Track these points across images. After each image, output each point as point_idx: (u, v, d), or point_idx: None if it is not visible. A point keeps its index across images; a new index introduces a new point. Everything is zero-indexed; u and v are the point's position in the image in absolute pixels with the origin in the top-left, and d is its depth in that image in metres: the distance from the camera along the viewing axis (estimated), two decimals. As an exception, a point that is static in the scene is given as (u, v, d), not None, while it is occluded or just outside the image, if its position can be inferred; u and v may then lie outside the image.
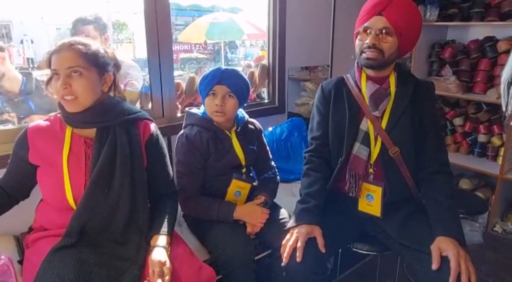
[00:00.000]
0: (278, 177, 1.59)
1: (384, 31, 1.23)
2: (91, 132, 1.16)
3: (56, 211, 1.12)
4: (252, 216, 1.38)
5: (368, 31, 1.25)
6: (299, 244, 1.19)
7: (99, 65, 1.11)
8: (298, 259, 1.16)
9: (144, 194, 1.18)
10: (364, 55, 1.26)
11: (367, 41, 1.24)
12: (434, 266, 1.11)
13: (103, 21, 1.82)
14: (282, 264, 1.20)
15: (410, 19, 1.24)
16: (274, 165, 1.62)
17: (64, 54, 1.07)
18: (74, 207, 1.09)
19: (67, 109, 1.11)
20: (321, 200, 1.31)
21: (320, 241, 1.20)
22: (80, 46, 1.08)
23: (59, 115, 1.16)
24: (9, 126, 1.51)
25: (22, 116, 1.57)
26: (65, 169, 1.10)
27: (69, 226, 1.06)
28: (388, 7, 1.22)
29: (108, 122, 1.14)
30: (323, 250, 1.19)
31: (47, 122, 1.15)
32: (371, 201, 1.32)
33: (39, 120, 1.16)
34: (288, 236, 1.24)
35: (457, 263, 1.08)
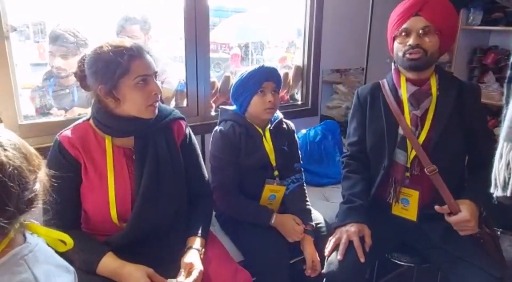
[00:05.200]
0: (304, 183, 1.50)
1: (425, 30, 1.21)
2: (129, 142, 1.09)
3: (99, 222, 1.08)
4: (287, 230, 1.34)
5: (408, 33, 1.23)
6: (343, 240, 1.19)
7: None
8: (340, 257, 1.16)
9: (184, 197, 1.17)
10: (407, 56, 1.24)
11: (410, 42, 1.22)
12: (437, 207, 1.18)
13: (149, 21, 1.82)
14: (323, 270, 1.20)
15: (448, 15, 1.24)
16: (302, 169, 1.52)
17: (148, 59, 1.02)
18: (117, 222, 1.06)
19: (148, 115, 1.04)
20: (365, 200, 1.30)
21: (368, 241, 1.20)
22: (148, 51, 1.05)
23: (88, 123, 1.08)
24: (58, 118, 1.55)
25: (67, 108, 1.61)
26: (111, 186, 1.04)
27: (114, 239, 1.04)
28: (425, 7, 1.21)
29: (148, 129, 1.08)
30: (367, 248, 1.19)
31: (77, 132, 1.05)
32: (406, 205, 1.29)
33: (66, 131, 1.06)
34: (336, 234, 1.23)
35: (461, 219, 1.15)
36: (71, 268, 0.72)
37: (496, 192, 0.82)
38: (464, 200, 1.18)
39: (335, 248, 1.21)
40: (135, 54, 0.99)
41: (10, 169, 0.58)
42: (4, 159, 0.58)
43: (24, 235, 0.64)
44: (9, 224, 0.58)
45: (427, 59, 1.23)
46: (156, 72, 1.04)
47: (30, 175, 0.62)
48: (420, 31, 1.21)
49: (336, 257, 1.17)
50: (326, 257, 1.21)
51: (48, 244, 0.68)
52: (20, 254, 0.61)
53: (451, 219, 1.17)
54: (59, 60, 1.59)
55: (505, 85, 0.86)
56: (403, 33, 1.24)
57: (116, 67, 0.97)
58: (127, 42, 1.01)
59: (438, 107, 1.25)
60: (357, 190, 1.31)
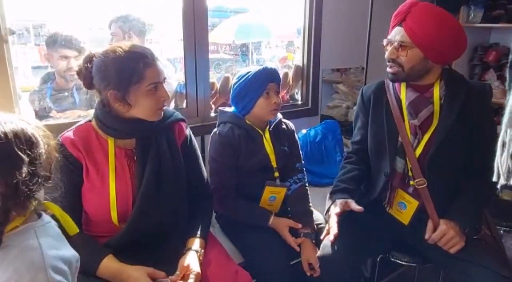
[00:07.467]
0: (306, 184, 1.51)
1: (401, 44, 1.16)
2: (130, 143, 1.10)
3: (99, 223, 1.09)
4: (283, 233, 1.34)
5: (390, 44, 1.20)
6: (330, 224, 1.21)
7: None
8: (331, 239, 1.19)
9: (185, 199, 1.17)
10: (387, 68, 1.22)
11: (386, 55, 1.21)
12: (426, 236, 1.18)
13: (129, 19, 1.81)
14: (317, 254, 1.23)
15: (433, 28, 1.12)
16: (304, 168, 1.53)
17: (159, 66, 1.04)
18: (117, 223, 1.06)
19: (155, 118, 1.06)
20: (351, 184, 1.31)
21: (357, 208, 1.20)
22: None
23: (90, 124, 1.08)
24: (58, 120, 1.54)
25: (66, 110, 1.61)
26: (112, 187, 1.04)
27: (113, 240, 1.05)
28: (407, 17, 1.15)
29: (151, 130, 1.09)
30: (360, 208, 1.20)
31: (78, 134, 1.05)
32: (402, 209, 1.28)
33: (68, 132, 1.06)
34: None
35: (440, 234, 1.14)
36: (76, 253, 0.79)
37: (499, 181, 0.79)
38: (445, 219, 1.17)
39: (328, 233, 1.23)
40: (149, 62, 1.00)
41: (24, 138, 0.67)
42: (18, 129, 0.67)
43: (39, 215, 0.76)
44: (28, 198, 0.69)
45: (406, 74, 1.18)
46: (165, 78, 1.06)
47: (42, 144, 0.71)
48: (397, 45, 1.17)
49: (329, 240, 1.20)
50: (322, 243, 1.24)
51: (60, 226, 0.79)
52: (33, 226, 0.73)
53: (432, 237, 1.16)
54: (74, 61, 1.59)
55: (507, 70, 0.81)
56: (388, 43, 1.22)
57: (131, 74, 0.98)
58: (140, 48, 1.03)
59: (441, 119, 1.19)
60: (346, 176, 1.33)
